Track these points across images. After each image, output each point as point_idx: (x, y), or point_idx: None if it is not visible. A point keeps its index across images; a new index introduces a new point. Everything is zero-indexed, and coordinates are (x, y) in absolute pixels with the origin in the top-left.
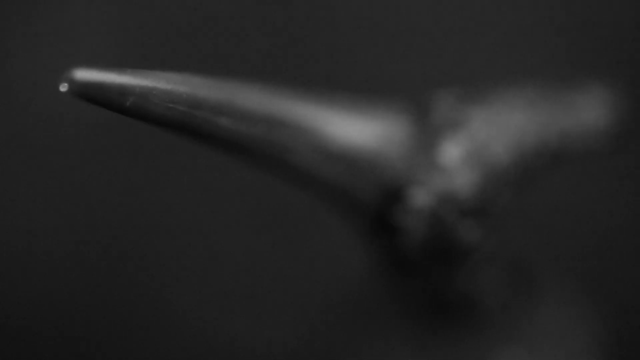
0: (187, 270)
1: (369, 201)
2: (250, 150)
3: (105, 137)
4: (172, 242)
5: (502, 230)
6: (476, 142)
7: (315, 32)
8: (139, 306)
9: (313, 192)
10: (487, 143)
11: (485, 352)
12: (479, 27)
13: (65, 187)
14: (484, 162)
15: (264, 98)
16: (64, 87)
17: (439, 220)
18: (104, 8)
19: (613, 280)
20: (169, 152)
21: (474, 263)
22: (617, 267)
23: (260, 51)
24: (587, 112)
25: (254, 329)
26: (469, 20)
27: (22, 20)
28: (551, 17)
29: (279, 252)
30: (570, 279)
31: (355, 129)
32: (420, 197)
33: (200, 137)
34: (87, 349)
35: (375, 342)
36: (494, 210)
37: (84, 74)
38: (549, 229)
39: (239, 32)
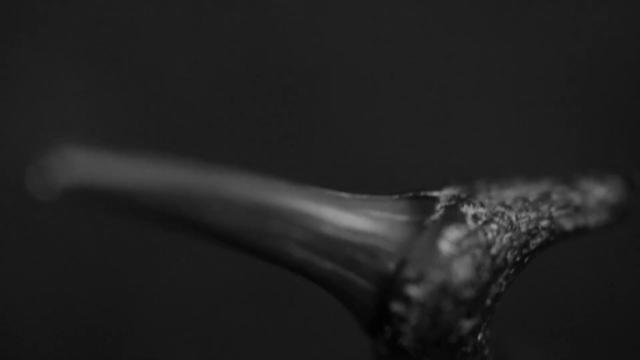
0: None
1: (366, 291)
2: (242, 241)
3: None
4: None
5: (494, 322)
6: (479, 233)
7: (317, 125)
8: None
9: (310, 280)
10: (490, 235)
11: None
12: (484, 120)
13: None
14: (486, 254)
15: (257, 187)
16: (45, 192)
17: (438, 313)
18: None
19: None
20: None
21: (468, 356)
22: (615, 339)
23: (261, 139)
24: (593, 189)
25: None
26: (474, 114)
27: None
28: (555, 110)
29: (279, 335)
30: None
31: (351, 218)
32: (419, 289)
33: (187, 228)
34: None
35: None
36: (492, 303)
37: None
38: (544, 308)
39: (235, 117)
